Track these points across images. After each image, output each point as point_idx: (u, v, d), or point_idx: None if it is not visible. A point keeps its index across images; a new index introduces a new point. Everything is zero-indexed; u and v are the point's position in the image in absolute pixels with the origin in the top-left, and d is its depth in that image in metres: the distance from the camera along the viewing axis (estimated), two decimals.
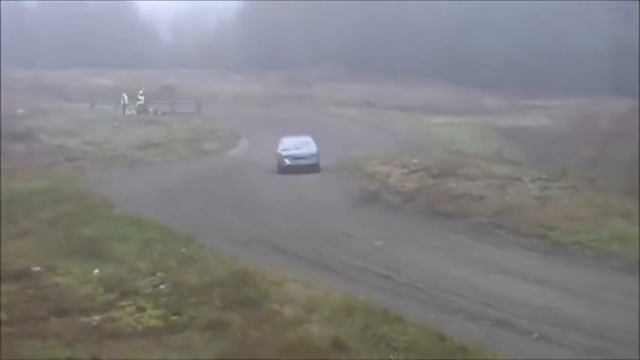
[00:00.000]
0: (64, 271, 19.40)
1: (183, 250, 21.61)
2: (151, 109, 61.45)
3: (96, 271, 19.02)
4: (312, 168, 38.06)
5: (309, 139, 40.91)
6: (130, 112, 60.91)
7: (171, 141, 47.10)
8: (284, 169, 38.24)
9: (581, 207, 26.99)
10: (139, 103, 61.59)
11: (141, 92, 62.36)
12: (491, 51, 76.32)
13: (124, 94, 61.96)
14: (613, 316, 17.34)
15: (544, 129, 45.94)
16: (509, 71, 72.20)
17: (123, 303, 17.02)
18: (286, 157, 38.97)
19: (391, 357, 14.23)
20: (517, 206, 27.74)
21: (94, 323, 15.78)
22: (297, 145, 39.79)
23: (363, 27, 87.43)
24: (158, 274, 18.96)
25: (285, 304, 16.82)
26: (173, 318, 16.15)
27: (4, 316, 15.76)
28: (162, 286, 18.08)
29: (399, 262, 22.12)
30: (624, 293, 19.14)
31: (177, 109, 62.32)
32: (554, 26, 74.75)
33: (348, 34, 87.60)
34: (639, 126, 36.02)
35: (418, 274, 20.68)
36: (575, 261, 22.51)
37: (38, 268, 19.47)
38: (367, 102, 66.80)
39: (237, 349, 14.29)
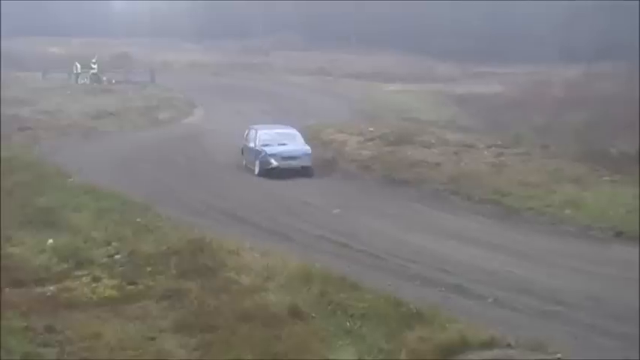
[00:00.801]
0: (18, 242, 19.20)
1: (139, 219, 21.49)
2: (104, 78, 60.77)
3: (50, 241, 18.86)
4: (305, 171, 30.07)
5: (293, 130, 32.70)
6: (83, 81, 60.16)
7: (126, 110, 46.65)
8: (268, 172, 30.04)
9: (534, 173, 27.35)
10: (92, 71, 60.83)
11: (94, 60, 61.57)
12: (444, 18, 76.50)
13: (76, 63, 61.19)
14: (566, 280, 17.64)
15: (497, 96, 46.26)
16: (461, 38, 72.37)
17: (78, 273, 16.92)
18: (272, 155, 30.25)
19: (348, 324, 14.36)
20: (472, 173, 28.02)
21: (49, 293, 15.69)
22: (280, 140, 31.24)
23: None
24: (113, 243, 18.87)
25: (242, 272, 16.86)
26: (129, 287, 16.12)
27: None
28: (117, 256, 18.01)
29: (356, 229, 22.25)
30: (576, 257, 19.47)
31: (131, 78, 61.69)
32: None
33: (303, 3, 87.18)
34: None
35: (375, 241, 20.83)
36: (528, 226, 22.83)
37: None
38: (323, 70, 66.70)
39: (194, 318, 14.31)
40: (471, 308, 15.59)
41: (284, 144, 30.88)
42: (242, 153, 32.21)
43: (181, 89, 55.75)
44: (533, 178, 26.67)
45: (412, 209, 25.10)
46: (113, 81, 60.22)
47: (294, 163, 30.16)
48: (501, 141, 32.74)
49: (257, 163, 30.50)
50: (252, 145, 31.30)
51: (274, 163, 30.12)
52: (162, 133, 40.75)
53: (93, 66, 61.12)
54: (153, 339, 13.67)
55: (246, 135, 32.14)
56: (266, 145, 30.72)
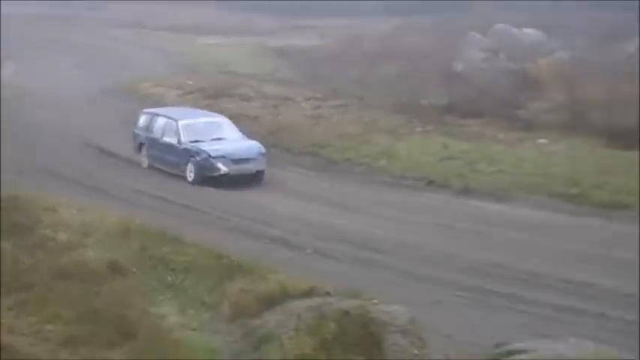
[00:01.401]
0: None
1: None
2: None
3: None
4: (257, 178, 22.97)
5: (220, 117, 25.36)
6: None
7: None
8: (210, 180, 22.57)
9: (351, 125, 27.92)
10: None
11: None
12: None
13: None
14: (382, 229, 18.25)
15: (316, 49, 46.64)
16: None
17: None
18: (218, 158, 22.74)
19: (169, 278, 14.36)
20: (291, 125, 28.32)
21: None
22: (211, 132, 23.87)
23: None
24: None
25: (59, 229, 16.47)
26: None
27: None
28: None
29: (174, 184, 22.16)
30: (391, 206, 20.16)
31: None
32: None
33: None
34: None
35: (194, 196, 20.83)
36: (346, 177, 23.38)
37: None
38: (138, 23, 65.27)
39: (8, 277, 13.89)
40: (292, 259, 15.91)
41: (220, 138, 23.63)
42: (139, 149, 24.72)
43: None
44: (350, 129, 27.24)
45: None
46: None
47: (247, 168, 22.91)
48: (320, 94, 33.19)
49: (191, 166, 22.87)
50: (170, 140, 23.66)
51: (223, 168, 22.64)
52: None
53: None
54: None
55: (148, 124, 24.81)
56: (197, 141, 23.23)
